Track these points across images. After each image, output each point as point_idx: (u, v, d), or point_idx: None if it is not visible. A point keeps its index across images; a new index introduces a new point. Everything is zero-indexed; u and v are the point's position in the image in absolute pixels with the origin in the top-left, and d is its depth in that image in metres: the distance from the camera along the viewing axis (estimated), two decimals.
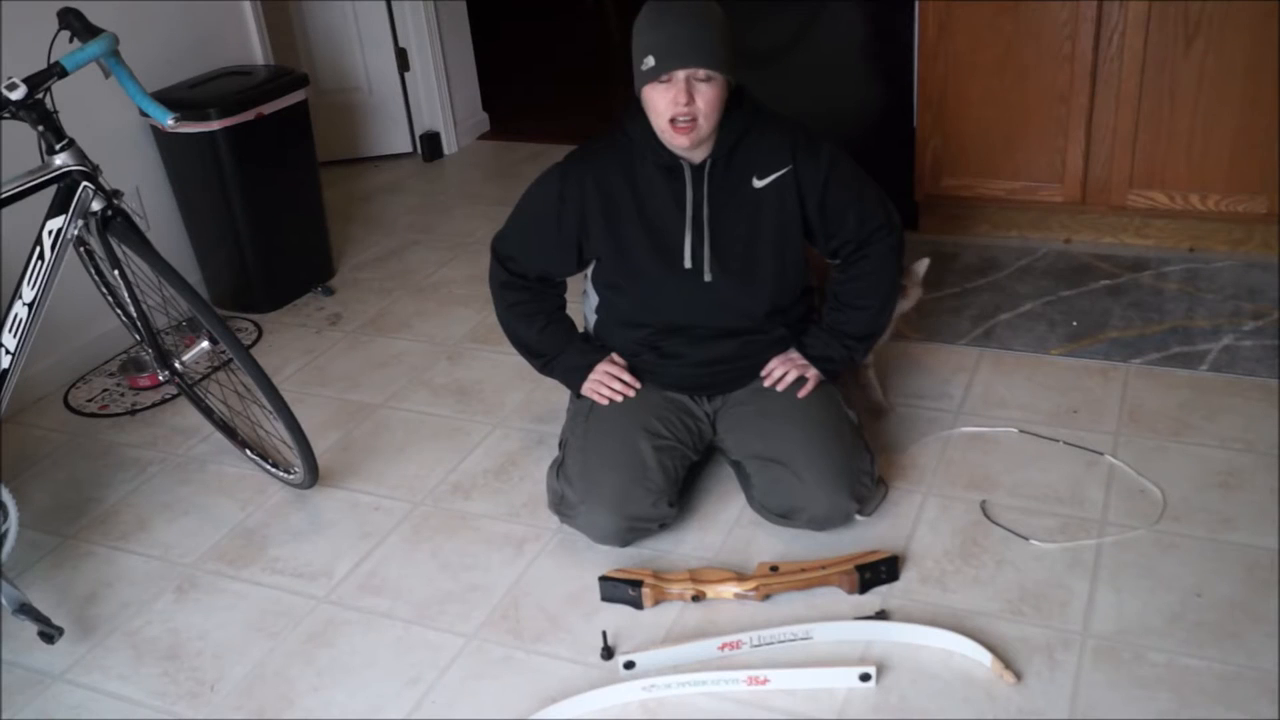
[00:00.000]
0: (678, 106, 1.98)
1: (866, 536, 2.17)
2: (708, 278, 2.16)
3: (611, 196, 2.16)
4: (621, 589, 2.05)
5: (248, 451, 2.56)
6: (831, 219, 2.17)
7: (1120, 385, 2.60)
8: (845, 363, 2.29)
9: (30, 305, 2.09)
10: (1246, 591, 1.96)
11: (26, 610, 2.04)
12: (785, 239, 2.17)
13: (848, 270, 2.24)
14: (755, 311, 2.21)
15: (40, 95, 2.02)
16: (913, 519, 2.22)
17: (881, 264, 2.22)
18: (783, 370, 2.23)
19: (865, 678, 1.83)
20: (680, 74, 1.97)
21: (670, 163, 2.11)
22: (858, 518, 2.19)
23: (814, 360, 2.24)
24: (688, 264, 2.15)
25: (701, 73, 1.97)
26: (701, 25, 1.98)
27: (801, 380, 2.22)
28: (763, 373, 2.25)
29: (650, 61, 1.97)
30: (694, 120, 2.00)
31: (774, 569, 2.05)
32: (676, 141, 2.04)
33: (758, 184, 2.13)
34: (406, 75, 4.49)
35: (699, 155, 2.11)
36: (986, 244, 3.34)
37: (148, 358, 2.56)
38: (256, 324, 3.32)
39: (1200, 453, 2.34)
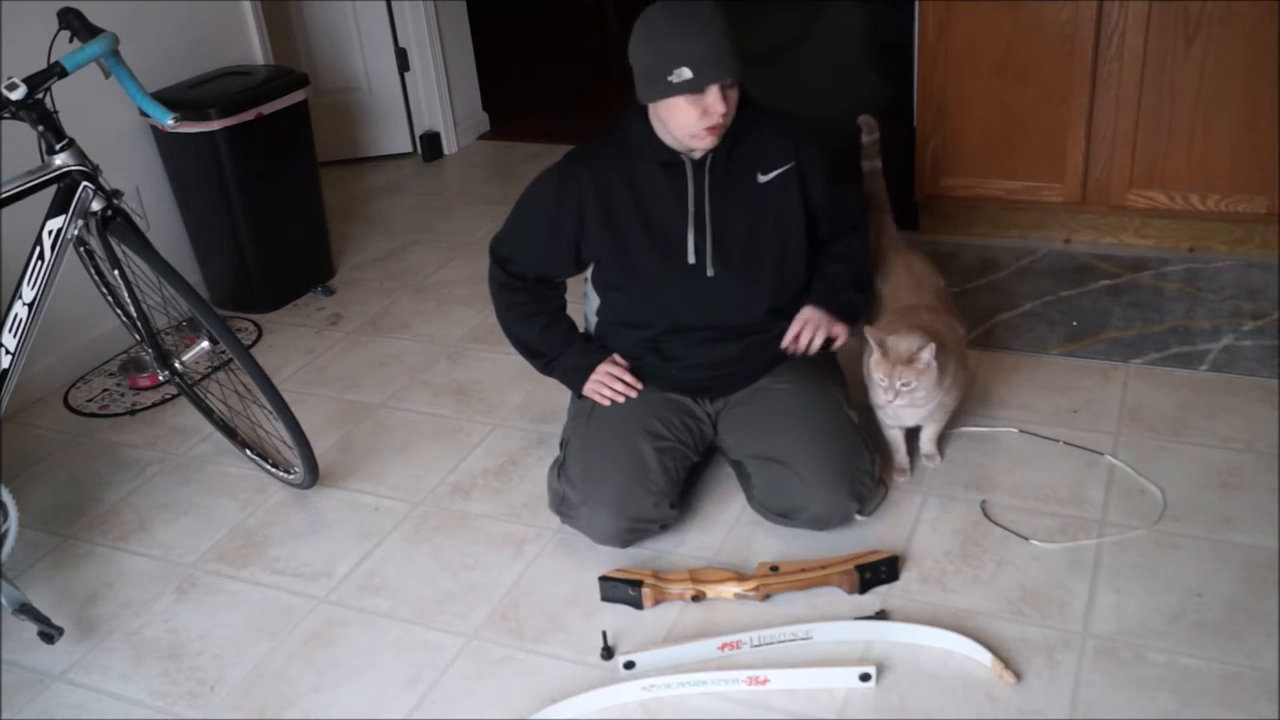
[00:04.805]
0: (713, 117, 1.98)
1: (866, 536, 2.17)
2: (710, 273, 2.16)
3: (609, 196, 2.15)
4: (621, 589, 2.05)
5: (248, 451, 2.56)
6: (829, 211, 2.20)
7: (1120, 385, 2.60)
8: (851, 308, 2.26)
9: (30, 305, 2.09)
10: (1246, 591, 1.96)
11: (26, 610, 2.04)
12: (787, 233, 2.17)
13: (825, 251, 2.27)
14: (757, 308, 2.20)
15: (40, 95, 2.02)
16: (913, 519, 2.22)
17: (855, 247, 2.30)
18: (809, 334, 2.18)
19: (865, 678, 1.83)
20: (716, 86, 1.97)
21: (670, 158, 2.11)
22: (858, 518, 2.19)
23: (827, 309, 2.20)
24: (691, 259, 2.15)
25: (729, 79, 1.98)
26: (726, 33, 1.97)
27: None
28: (784, 343, 2.20)
29: (686, 74, 1.94)
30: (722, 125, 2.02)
31: (774, 569, 2.05)
32: (704, 144, 2.04)
33: (761, 179, 2.14)
34: (406, 75, 4.48)
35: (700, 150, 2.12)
36: (986, 244, 3.34)
37: (148, 358, 2.56)
38: (256, 324, 3.32)
39: (1200, 453, 2.33)
